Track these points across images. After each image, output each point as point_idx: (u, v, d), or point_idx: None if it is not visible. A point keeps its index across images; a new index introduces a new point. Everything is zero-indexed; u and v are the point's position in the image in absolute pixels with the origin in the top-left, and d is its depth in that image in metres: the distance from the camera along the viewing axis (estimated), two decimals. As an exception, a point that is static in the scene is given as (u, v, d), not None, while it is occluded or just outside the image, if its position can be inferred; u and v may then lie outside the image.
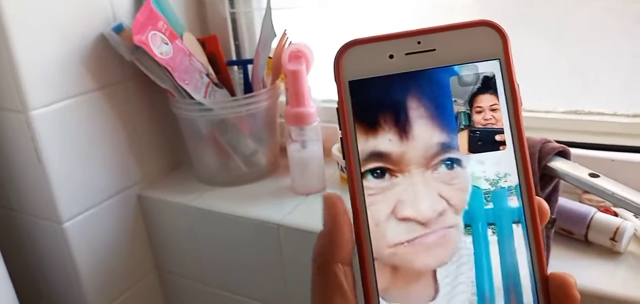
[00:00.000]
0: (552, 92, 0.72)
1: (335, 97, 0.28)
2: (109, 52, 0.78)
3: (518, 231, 0.27)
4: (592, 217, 0.58)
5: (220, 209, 0.78)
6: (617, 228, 0.56)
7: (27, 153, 0.73)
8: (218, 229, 0.80)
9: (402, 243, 0.27)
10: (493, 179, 0.27)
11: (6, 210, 0.83)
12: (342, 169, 0.79)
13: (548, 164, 0.56)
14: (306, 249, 0.75)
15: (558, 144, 0.57)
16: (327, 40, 0.84)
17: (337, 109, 0.28)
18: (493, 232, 0.27)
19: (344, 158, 0.28)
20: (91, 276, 0.81)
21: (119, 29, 0.76)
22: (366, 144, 0.27)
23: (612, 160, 0.65)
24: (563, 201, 0.61)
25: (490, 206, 0.27)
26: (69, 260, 0.79)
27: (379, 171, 0.27)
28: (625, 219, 0.58)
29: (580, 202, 0.63)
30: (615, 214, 0.60)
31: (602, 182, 0.53)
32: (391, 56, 0.27)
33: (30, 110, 0.69)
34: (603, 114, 0.70)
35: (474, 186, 0.27)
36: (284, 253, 0.74)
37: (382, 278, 0.27)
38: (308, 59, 0.76)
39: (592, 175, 0.54)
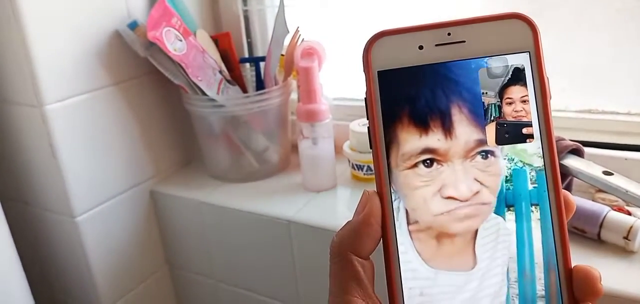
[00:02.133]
0: (565, 91, 0.72)
1: (364, 87, 0.28)
2: (123, 49, 0.79)
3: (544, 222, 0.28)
4: (605, 216, 0.58)
5: (232, 205, 0.79)
6: (631, 227, 0.56)
7: (41, 148, 0.74)
8: (229, 225, 0.80)
9: (442, 214, 0.28)
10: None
11: (20, 204, 0.84)
12: (353, 167, 0.79)
13: (562, 162, 0.56)
14: (317, 246, 0.75)
15: (572, 142, 0.57)
16: (340, 37, 0.85)
17: (365, 98, 0.28)
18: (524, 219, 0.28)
19: (371, 148, 0.28)
20: (103, 270, 0.82)
21: (133, 26, 0.77)
22: (391, 133, 0.28)
23: (626, 159, 0.65)
24: (576, 199, 0.60)
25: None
26: (81, 254, 0.80)
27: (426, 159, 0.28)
28: (639, 218, 0.57)
29: (593, 201, 0.63)
30: (629, 213, 0.59)
31: (616, 180, 0.53)
32: (421, 47, 0.28)
33: (45, 105, 0.70)
34: (617, 113, 0.70)
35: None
36: (294, 249, 0.74)
37: (428, 248, 0.28)
38: (320, 56, 0.76)
39: (606, 173, 0.54)
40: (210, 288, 0.89)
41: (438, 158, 0.28)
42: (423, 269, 0.28)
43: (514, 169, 0.28)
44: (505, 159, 0.28)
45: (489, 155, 0.28)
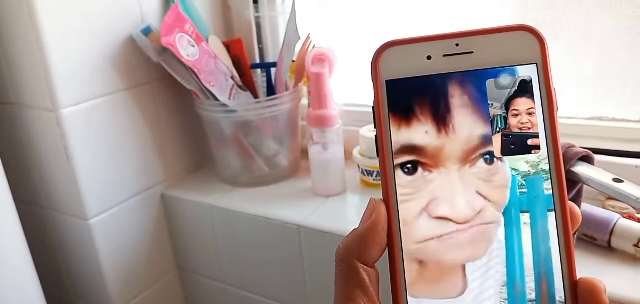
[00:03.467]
0: (576, 98, 0.72)
1: (372, 96, 0.28)
2: (137, 54, 0.80)
3: (550, 234, 0.27)
4: (615, 224, 0.58)
5: (242, 209, 0.79)
6: (642, 235, 0.56)
7: (56, 151, 0.75)
8: (239, 229, 0.81)
9: (433, 239, 0.27)
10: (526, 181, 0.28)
11: (34, 206, 0.86)
12: (363, 172, 0.80)
13: (572, 169, 0.55)
14: (326, 251, 0.76)
15: (582, 149, 0.57)
16: (351, 44, 0.86)
17: (373, 107, 0.28)
18: (524, 231, 0.27)
19: (377, 156, 0.28)
20: (115, 272, 0.83)
21: (147, 31, 0.78)
22: (400, 139, 0.28)
23: (636, 166, 0.64)
24: (586, 206, 0.60)
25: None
26: (93, 256, 0.81)
27: (409, 166, 0.28)
28: (650, 226, 0.57)
29: (604, 208, 0.62)
30: (639, 221, 0.59)
31: (626, 188, 0.53)
32: (429, 57, 0.28)
33: (60, 108, 0.71)
34: (628, 120, 0.69)
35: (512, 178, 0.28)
36: (304, 254, 0.74)
37: (410, 273, 0.27)
38: (331, 62, 0.77)
39: (616, 180, 0.53)
40: (220, 292, 0.89)
41: (431, 167, 0.28)
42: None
43: (513, 177, 0.28)
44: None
45: (494, 161, 0.27)
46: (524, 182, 0.27)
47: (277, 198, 0.81)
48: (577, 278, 0.27)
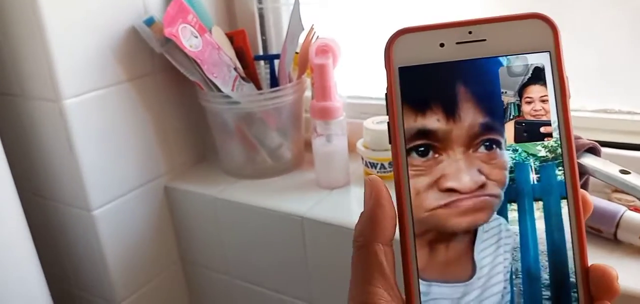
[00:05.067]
0: (581, 90, 0.71)
1: (385, 83, 0.28)
2: (140, 45, 0.79)
3: (562, 221, 0.27)
4: (621, 216, 0.57)
5: (245, 201, 0.79)
6: (648, 227, 0.56)
7: (59, 142, 0.75)
8: (242, 221, 0.81)
9: (441, 207, 0.27)
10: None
11: (38, 197, 0.86)
12: (366, 164, 0.79)
13: (578, 160, 0.55)
14: (329, 242, 0.76)
15: (588, 141, 0.56)
16: (355, 35, 0.85)
17: (386, 94, 0.28)
18: (536, 218, 0.27)
19: (390, 142, 0.28)
20: (118, 264, 0.83)
21: (150, 22, 0.78)
22: (412, 125, 0.28)
23: (643, 159, 0.64)
24: (592, 198, 0.60)
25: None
26: (97, 247, 0.81)
27: (422, 149, 0.28)
28: (656, 219, 0.57)
29: (610, 200, 0.62)
30: (645, 214, 0.59)
31: (633, 179, 0.52)
32: (442, 45, 0.28)
33: (63, 99, 0.71)
34: (634, 113, 0.69)
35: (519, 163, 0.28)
36: (307, 245, 0.74)
37: (420, 257, 0.27)
38: (335, 54, 0.76)
39: (623, 172, 0.53)
40: (223, 284, 0.89)
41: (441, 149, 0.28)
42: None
43: (516, 163, 0.28)
44: (508, 150, 0.28)
45: (502, 148, 0.28)
46: (537, 169, 0.27)
47: (280, 190, 0.81)
48: (589, 265, 0.27)
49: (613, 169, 0.54)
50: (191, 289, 0.97)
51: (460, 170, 0.27)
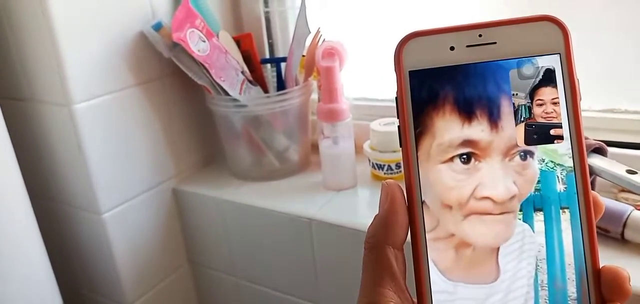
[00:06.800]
0: (588, 90, 0.71)
1: (395, 86, 0.28)
2: (148, 49, 0.80)
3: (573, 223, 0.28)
4: (628, 216, 0.57)
5: (253, 203, 0.80)
6: (655, 227, 0.56)
7: (69, 146, 0.76)
8: (250, 223, 0.81)
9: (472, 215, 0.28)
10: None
11: (48, 201, 0.86)
12: (373, 166, 0.80)
13: (585, 161, 0.55)
14: (337, 244, 0.76)
15: (595, 141, 0.56)
16: (361, 38, 0.86)
17: (396, 98, 0.28)
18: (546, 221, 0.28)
19: (400, 145, 0.28)
20: (127, 266, 0.84)
21: (158, 27, 0.79)
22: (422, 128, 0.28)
23: (649, 159, 0.64)
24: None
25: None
26: (107, 250, 0.82)
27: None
28: (663, 218, 0.57)
29: (617, 200, 0.62)
30: (653, 213, 0.59)
31: (640, 180, 0.52)
32: (452, 48, 0.28)
33: (73, 104, 0.72)
34: (640, 113, 0.69)
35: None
36: (315, 247, 0.75)
37: (446, 258, 0.28)
38: (342, 56, 0.77)
39: (630, 172, 0.53)
40: (231, 285, 0.90)
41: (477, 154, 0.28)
42: (440, 282, 0.28)
43: (542, 171, 0.28)
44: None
45: (527, 156, 0.28)
46: (562, 177, 0.28)
47: (287, 192, 0.81)
48: (600, 266, 0.27)
49: (620, 169, 0.54)
50: (199, 290, 0.97)
51: (496, 178, 0.28)
